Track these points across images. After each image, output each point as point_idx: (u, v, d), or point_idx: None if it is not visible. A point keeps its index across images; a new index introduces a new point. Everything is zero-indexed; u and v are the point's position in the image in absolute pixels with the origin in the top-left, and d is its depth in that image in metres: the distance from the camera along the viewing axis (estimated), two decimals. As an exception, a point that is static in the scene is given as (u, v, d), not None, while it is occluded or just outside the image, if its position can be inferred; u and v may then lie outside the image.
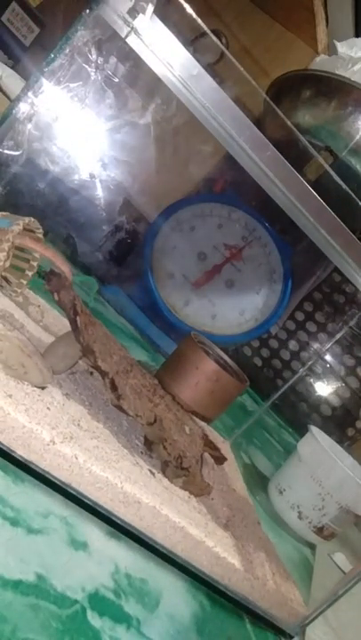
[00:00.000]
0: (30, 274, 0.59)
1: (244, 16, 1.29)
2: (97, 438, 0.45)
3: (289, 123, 0.44)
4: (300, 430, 1.31)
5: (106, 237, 1.14)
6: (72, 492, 0.41)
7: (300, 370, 1.31)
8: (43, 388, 0.44)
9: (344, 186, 0.48)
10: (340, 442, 0.83)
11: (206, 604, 0.46)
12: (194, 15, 0.39)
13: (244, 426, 0.82)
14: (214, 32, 0.91)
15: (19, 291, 0.59)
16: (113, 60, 0.94)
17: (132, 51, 0.45)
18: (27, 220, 0.52)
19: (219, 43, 0.44)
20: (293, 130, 0.48)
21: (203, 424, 0.66)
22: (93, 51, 0.84)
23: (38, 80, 0.42)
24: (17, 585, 0.32)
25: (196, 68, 0.45)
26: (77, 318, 0.47)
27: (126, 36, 0.44)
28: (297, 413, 1.36)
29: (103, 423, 0.49)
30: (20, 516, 0.36)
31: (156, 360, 0.98)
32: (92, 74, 0.87)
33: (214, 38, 0.42)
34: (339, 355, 1.35)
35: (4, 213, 0.52)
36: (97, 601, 0.36)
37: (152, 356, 0.99)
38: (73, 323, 0.48)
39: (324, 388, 1.35)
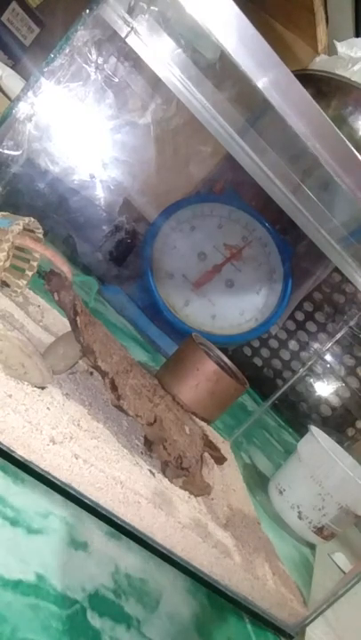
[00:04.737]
0: (30, 274, 0.59)
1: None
2: (97, 438, 0.45)
3: (289, 122, 0.44)
4: (300, 430, 1.31)
5: (106, 237, 1.14)
6: (72, 492, 0.41)
7: (300, 370, 1.31)
8: (43, 388, 0.44)
9: (344, 186, 0.48)
10: (340, 442, 0.83)
11: (206, 604, 0.46)
12: (194, 15, 0.39)
13: (244, 426, 0.82)
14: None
15: (19, 291, 0.59)
16: (113, 59, 0.94)
17: (132, 51, 0.45)
18: (27, 219, 0.52)
19: (219, 43, 0.43)
20: (293, 130, 0.48)
21: (203, 424, 0.66)
22: (93, 51, 0.84)
23: (38, 80, 0.42)
24: (17, 585, 0.32)
25: (195, 68, 0.45)
26: (77, 318, 0.47)
27: (126, 36, 0.44)
28: (297, 413, 1.36)
29: (103, 423, 0.49)
30: (20, 516, 0.36)
31: (156, 360, 0.98)
32: (92, 74, 0.87)
33: (214, 38, 0.42)
34: (339, 355, 1.35)
35: (4, 213, 0.52)
36: (97, 601, 0.36)
37: (152, 356, 0.99)
38: (73, 323, 0.48)
39: (324, 388, 1.35)
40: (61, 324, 0.62)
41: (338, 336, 1.34)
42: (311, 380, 1.36)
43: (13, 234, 0.49)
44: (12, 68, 1.00)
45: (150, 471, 0.48)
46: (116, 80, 0.98)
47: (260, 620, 0.50)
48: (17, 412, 0.39)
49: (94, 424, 0.47)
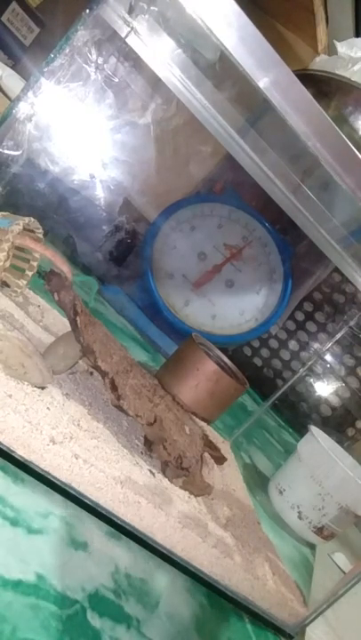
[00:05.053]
0: (30, 274, 0.59)
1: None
2: (97, 438, 0.45)
3: (289, 122, 0.44)
4: (301, 430, 1.31)
5: (106, 237, 1.14)
6: (72, 492, 0.41)
7: (300, 370, 1.31)
8: (43, 388, 0.44)
9: (344, 185, 0.48)
10: (340, 442, 0.83)
11: (206, 604, 0.46)
12: (194, 15, 0.39)
13: (245, 426, 0.82)
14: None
15: (19, 291, 0.59)
16: (113, 60, 0.94)
17: (132, 51, 0.45)
18: (27, 219, 0.52)
19: (219, 42, 0.43)
20: (294, 130, 0.48)
21: (203, 424, 0.66)
22: (93, 51, 0.84)
23: (38, 80, 0.42)
24: (17, 585, 0.32)
25: (195, 68, 0.45)
26: (77, 318, 0.47)
27: (126, 36, 0.44)
28: (297, 413, 1.36)
29: (103, 423, 0.49)
30: (20, 515, 0.36)
31: (156, 360, 0.98)
32: (92, 74, 0.87)
33: (214, 38, 0.42)
34: (339, 355, 1.35)
35: (4, 213, 0.52)
36: (97, 601, 0.36)
37: (152, 356, 0.99)
38: (73, 323, 0.48)
39: (324, 388, 1.35)
40: (61, 323, 0.62)
41: (338, 336, 1.34)
42: (311, 380, 1.35)
43: (13, 234, 0.49)
44: (12, 67, 1.00)
45: (150, 471, 0.48)
46: (116, 80, 0.98)
47: (260, 620, 0.50)
48: (17, 411, 0.38)
49: (94, 424, 0.47)
